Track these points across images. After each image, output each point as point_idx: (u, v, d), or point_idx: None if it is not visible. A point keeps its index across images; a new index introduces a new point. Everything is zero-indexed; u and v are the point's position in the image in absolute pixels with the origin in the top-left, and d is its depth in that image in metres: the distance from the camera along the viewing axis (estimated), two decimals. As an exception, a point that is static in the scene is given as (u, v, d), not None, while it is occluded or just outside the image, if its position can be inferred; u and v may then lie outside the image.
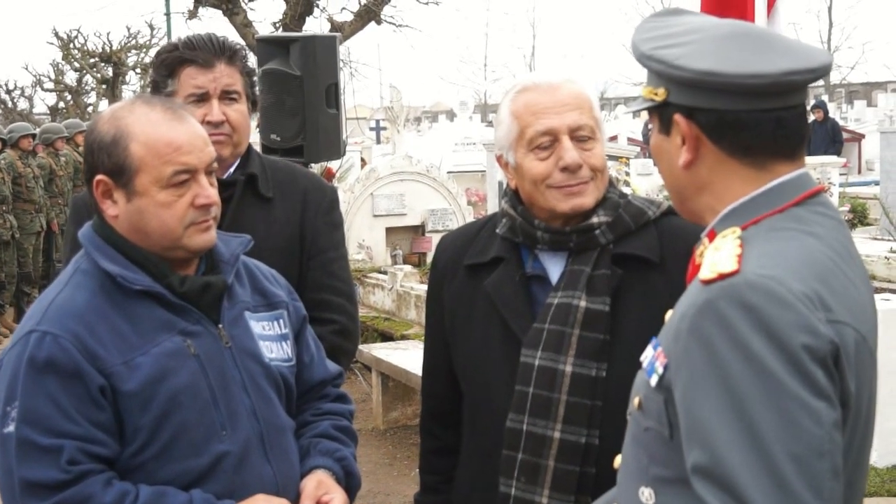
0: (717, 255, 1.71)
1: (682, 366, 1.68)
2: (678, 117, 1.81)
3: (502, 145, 2.57)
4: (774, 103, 1.76)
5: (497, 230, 2.63)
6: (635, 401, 1.85)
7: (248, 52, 3.14)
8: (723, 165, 1.80)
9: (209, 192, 2.30)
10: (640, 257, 2.51)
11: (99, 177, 2.29)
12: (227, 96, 2.99)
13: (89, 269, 2.30)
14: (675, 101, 1.81)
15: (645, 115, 2.12)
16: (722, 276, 1.66)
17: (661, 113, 1.86)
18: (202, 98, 2.97)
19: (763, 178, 1.79)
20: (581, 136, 2.49)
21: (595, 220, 2.51)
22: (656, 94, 1.84)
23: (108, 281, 2.27)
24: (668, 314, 1.83)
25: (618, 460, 1.96)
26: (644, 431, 1.81)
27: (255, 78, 3.13)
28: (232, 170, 3.07)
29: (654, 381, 1.77)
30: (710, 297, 1.66)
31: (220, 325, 2.35)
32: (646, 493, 1.81)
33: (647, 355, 1.82)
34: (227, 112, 2.99)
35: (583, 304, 2.46)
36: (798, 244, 1.72)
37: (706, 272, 1.69)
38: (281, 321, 2.50)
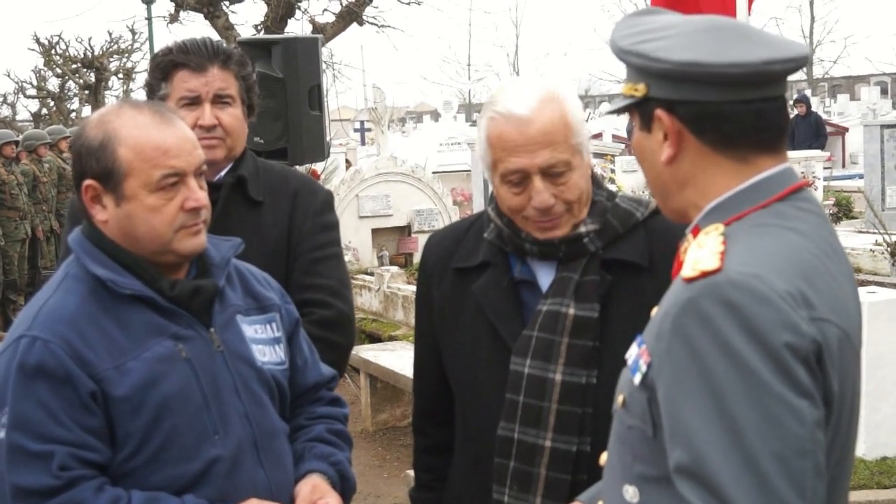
0: (700, 253, 1.70)
1: (665, 365, 1.67)
2: (660, 112, 1.80)
3: (482, 161, 2.54)
4: (754, 94, 1.76)
5: (485, 234, 2.61)
6: (619, 399, 1.83)
7: (246, 57, 3.11)
8: (705, 159, 1.79)
9: (199, 195, 2.29)
10: (629, 262, 2.50)
11: (87, 182, 2.28)
12: (219, 100, 2.98)
13: (79, 273, 2.29)
14: (655, 96, 1.80)
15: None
16: (704, 274, 1.65)
17: (641, 110, 1.85)
18: (194, 102, 2.96)
19: (746, 172, 1.78)
20: (554, 173, 2.43)
21: (583, 229, 2.49)
22: (636, 90, 1.83)
23: (98, 285, 2.26)
24: (654, 311, 1.82)
25: (604, 457, 1.95)
26: (628, 430, 1.80)
27: (253, 82, 3.10)
28: (223, 173, 3.06)
29: (637, 379, 1.75)
30: (693, 295, 1.64)
31: (212, 329, 2.33)
32: (630, 492, 1.80)
33: (632, 353, 1.81)
34: (220, 116, 2.98)
35: (571, 311, 2.45)
36: (781, 241, 1.71)
37: (688, 270, 1.68)
38: (273, 324, 2.49)
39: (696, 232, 1.80)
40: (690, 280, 1.67)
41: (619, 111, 1.92)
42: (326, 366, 2.67)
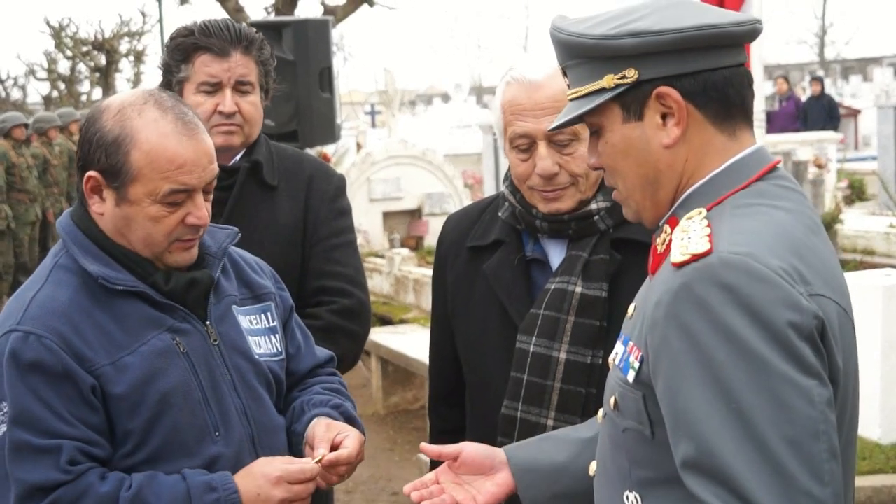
0: (687, 238, 1.64)
1: (662, 356, 1.60)
2: (665, 89, 1.70)
3: (497, 129, 2.54)
4: (742, 57, 1.72)
5: (499, 213, 2.59)
6: (611, 401, 1.77)
7: (265, 41, 3.06)
8: (704, 136, 1.72)
9: (202, 213, 2.20)
10: (639, 242, 2.46)
11: (91, 172, 2.18)
12: (240, 87, 2.94)
13: (69, 264, 2.21)
14: (651, 77, 1.70)
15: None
16: (695, 257, 1.59)
17: (625, 99, 1.73)
18: (215, 87, 2.91)
19: (732, 150, 1.73)
20: (560, 141, 2.41)
21: (594, 206, 2.48)
22: (625, 78, 1.71)
23: (90, 277, 2.18)
24: (630, 309, 1.77)
25: (592, 467, 1.89)
26: (623, 433, 1.74)
27: (271, 66, 3.05)
28: (238, 157, 3.03)
29: (631, 377, 1.69)
30: (685, 280, 1.58)
31: (208, 322, 2.27)
32: (631, 498, 1.74)
33: (618, 353, 1.75)
34: (240, 103, 2.94)
35: (578, 289, 2.43)
36: (768, 219, 1.65)
37: (677, 255, 1.62)
38: (269, 314, 2.43)
39: (672, 223, 1.73)
40: (681, 265, 1.60)
41: (587, 114, 1.76)
42: (322, 348, 2.61)
